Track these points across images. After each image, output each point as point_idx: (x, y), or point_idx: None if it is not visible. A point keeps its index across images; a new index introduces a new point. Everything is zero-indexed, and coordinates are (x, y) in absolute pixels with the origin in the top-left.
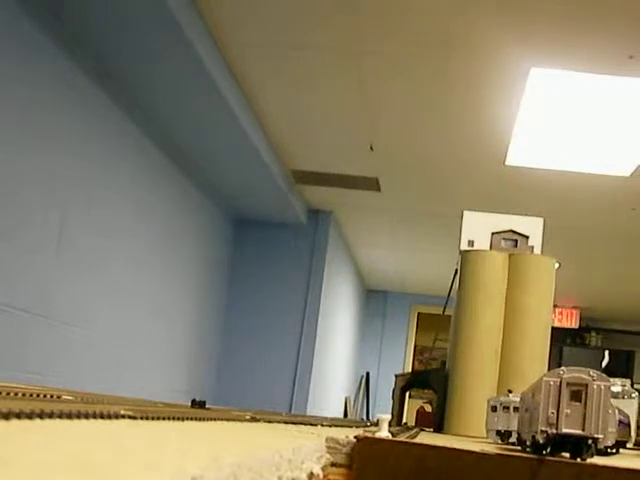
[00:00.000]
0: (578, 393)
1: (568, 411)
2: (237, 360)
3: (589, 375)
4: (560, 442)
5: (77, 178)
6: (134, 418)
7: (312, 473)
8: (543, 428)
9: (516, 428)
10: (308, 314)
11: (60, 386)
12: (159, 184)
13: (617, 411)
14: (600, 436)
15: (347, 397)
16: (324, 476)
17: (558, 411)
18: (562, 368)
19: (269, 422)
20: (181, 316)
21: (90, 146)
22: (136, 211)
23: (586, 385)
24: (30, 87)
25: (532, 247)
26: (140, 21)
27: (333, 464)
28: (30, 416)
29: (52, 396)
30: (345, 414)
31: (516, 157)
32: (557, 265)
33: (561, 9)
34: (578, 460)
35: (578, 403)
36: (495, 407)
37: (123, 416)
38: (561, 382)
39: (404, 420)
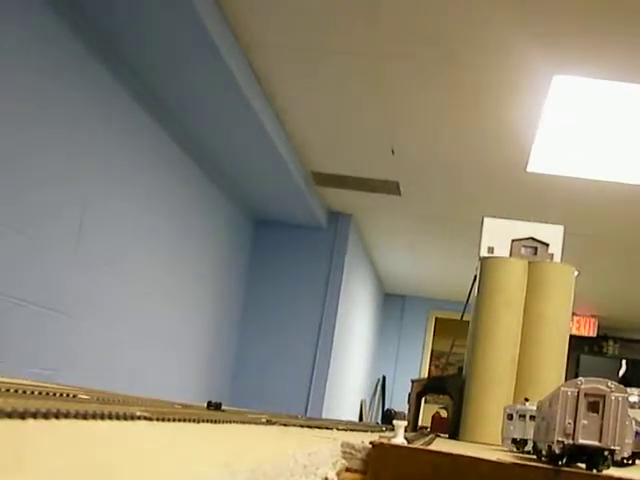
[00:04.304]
0: (595, 404)
1: (585, 422)
2: (254, 361)
3: (607, 386)
4: (576, 453)
5: (97, 175)
6: (150, 419)
7: (327, 478)
8: (560, 438)
9: (532, 437)
10: (326, 316)
11: (75, 383)
12: (180, 182)
13: (634, 422)
14: (617, 448)
15: (363, 400)
16: None
17: (575, 422)
18: (580, 378)
19: (285, 425)
20: (199, 315)
21: (110, 143)
22: (156, 209)
23: (604, 396)
24: (50, 82)
25: (552, 255)
26: (164, 20)
27: (348, 469)
28: (46, 416)
29: (68, 395)
30: (360, 417)
31: (538, 164)
32: (576, 273)
33: (584, 16)
34: (594, 471)
35: (595, 414)
36: (511, 415)
37: (139, 417)
38: (579, 392)
39: (419, 424)
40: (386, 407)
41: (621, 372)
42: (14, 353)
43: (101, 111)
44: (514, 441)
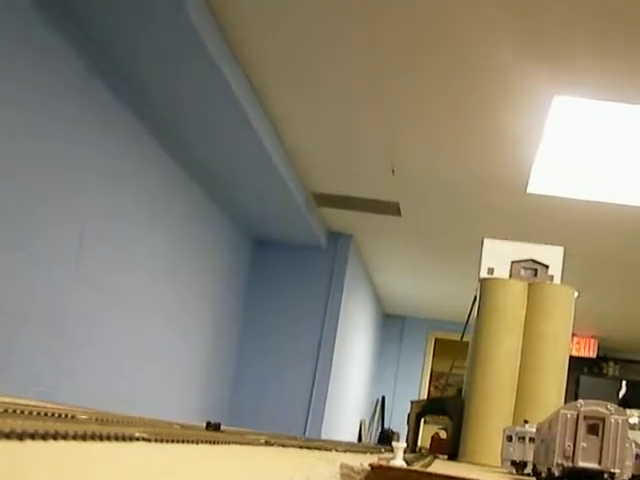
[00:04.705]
0: (595, 427)
1: (585, 444)
2: (252, 381)
3: (607, 409)
4: (576, 476)
5: (96, 193)
6: (148, 440)
7: None
8: (559, 461)
9: (532, 459)
10: (325, 336)
11: (75, 402)
12: (179, 202)
13: (634, 444)
14: (617, 470)
15: (362, 421)
16: None
17: (575, 444)
18: (580, 401)
19: (283, 446)
20: (197, 335)
21: (109, 160)
22: (155, 228)
23: (603, 419)
24: (48, 97)
25: (552, 276)
26: (161, 34)
27: None
28: (44, 437)
29: (66, 415)
30: (359, 438)
31: (538, 185)
32: (576, 294)
33: (585, 37)
34: None
35: (595, 437)
36: (511, 437)
37: (137, 438)
38: (578, 415)
39: (419, 445)
40: (385, 427)
41: (621, 393)
42: (15, 371)
43: (99, 128)
44: (513, 463)
